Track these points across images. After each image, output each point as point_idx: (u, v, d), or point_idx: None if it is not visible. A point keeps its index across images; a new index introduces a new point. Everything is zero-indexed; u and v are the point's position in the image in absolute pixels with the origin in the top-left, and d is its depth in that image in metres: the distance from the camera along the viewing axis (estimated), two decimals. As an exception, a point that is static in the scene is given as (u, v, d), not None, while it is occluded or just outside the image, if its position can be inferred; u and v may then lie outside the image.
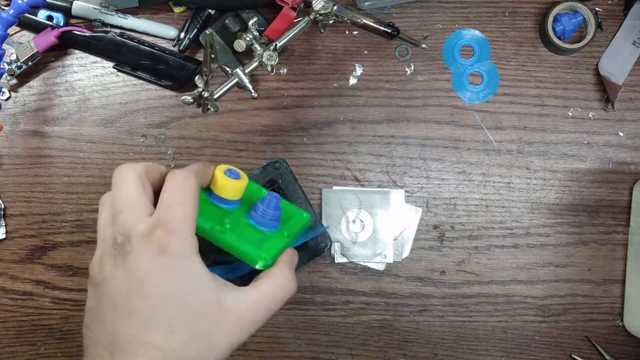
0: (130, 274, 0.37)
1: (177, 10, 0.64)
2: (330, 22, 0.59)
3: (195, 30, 0.62)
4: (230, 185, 0.45)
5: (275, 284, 0.42)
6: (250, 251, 0.44)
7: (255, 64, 0.56)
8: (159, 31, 0.63)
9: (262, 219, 0.47)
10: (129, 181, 0.39)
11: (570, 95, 0.64)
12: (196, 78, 0.52)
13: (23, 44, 0.61)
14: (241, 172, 0.46)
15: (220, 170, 0.45)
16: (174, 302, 0.37)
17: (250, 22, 0.57)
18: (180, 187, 0.39)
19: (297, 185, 0.62)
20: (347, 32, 0.65)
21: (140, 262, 0.37)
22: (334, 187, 0.64)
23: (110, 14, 0.62)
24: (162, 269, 0.37)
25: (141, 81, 0.64)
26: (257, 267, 0.44)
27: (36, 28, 0.61)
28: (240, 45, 0.57)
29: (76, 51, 0.64)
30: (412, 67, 0.64)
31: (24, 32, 0.64)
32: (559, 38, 0.63)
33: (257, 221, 0.47)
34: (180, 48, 0.62)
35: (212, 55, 0.54)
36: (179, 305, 0.37)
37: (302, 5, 0.59)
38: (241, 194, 0.47)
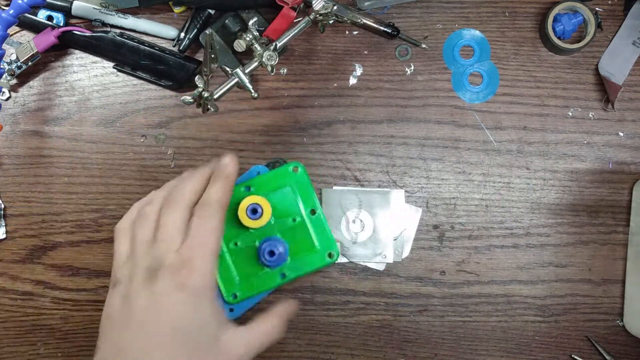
0: (153, 299, 0.41)
1: (177, 10, 0.64)
2: (330, 22, 0.59)
3: (195, 30, 0.62)
4: (247, 222, 0.46)
5: (267, 331, 0.46)
6: (224, 288, 0.48)
7: (255, 64, 0.56)
8: (159, 31, 0.63)
9: (262, 258, 0.48)
10: (178, 212, 0.43)
11: (570, 95, 0.64)
12: (196, 78, 0.52)
13: (23, 44, 0.61)
14: (267, 208, 0.46)
15: (245, 205, 0.46)
16: (181, 334, 0.41)
17: (250, 22, 0.57)
18: (207, 225, 0.42)
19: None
20: (347, 32, 0.65)
21: (162, 292, 0.41)
22: (334, 187, 0.64)
23: (110, 14, 0.62)
24: (178, 303, 0.41)
25: (141, 81, 0.64)
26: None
27: (36, 28, 0.61)
28: (240, 45, 0.57)
29: (76, 51, 0.64)
30: (412, 67, 0.64)
31: (24, 32, 0.64)
32: (559, 38, 0.63)
33: (259, 256, 0.48)
34: (180, 48, 0.62)
35: (212, 55, 0.54)
36: (184, 338, 0.41)
37: (302, 5, 0.59)
38: (262, 226, 0.47)
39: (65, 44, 0.62)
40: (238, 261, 0.48)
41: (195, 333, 0.41)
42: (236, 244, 0.48)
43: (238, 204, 0.47)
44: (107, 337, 0.43)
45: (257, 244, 0.48)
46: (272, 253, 0.47)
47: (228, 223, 0.46)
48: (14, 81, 0.63)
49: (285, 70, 0.64)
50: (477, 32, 0.64)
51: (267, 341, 0.46)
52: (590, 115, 0.64)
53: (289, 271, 0.49)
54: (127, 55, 0.62)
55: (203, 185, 0.45)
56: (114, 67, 0.64)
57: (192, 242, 0.42)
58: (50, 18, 0.62)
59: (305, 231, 0.49)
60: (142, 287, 0.42)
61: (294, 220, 0.49)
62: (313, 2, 0.57)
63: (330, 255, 0.49)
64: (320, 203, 0.64)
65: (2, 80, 0.62)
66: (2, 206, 0.64)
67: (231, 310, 0.53)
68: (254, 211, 0.46)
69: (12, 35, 0.64)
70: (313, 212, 0.49)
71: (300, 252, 0.49)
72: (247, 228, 0.48)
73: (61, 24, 0.62)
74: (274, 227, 0.49)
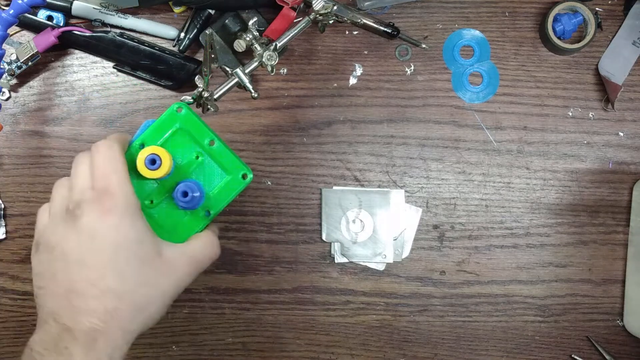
0: (82, 232, 0.42)
1: (177, 10, 0.64)
2: (330, 22, 0.59)
3: (195, 30, 0.62)
4: (149, 174, 0.46)
5: (204, 245, 0.48)
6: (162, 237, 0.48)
7: (255, 64, 0.56)
8: (159, 31, 0.63)
9: (179, 203, 0.48)
10: (82, 164, 0.45)
11: (570, 95, 0.64)
12: (196, 78, 0.52)
13: (23, 44, 0.61)
14: (165, 156, 0.46)
15: (141, 157, 0.46)
16: (124, 252, 0.42)
17: (250, 22, 0.57)
18: (107, 156, 0.44)
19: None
20: (347, 32, 0.65)
21: (90, 222, 0.42)
22: (334, 187, 0.64)
23: (110, 14, 0.62)
24: (109, 227, 0.42)
25: (141, 81, 0.64)
26: None
27: (36, 28, 0.61)
28: (240, 45, 0.57)
29: (76, 51, 0.64)
30: (412, 67, 0.64)
31: (24, 32, 0.64)
32: (559, 38, 0.63)
33: (176, 202, 0.49)
34: (180, 48, 0.62)
35: (212, 55, 0.54)
36: (127, 255, 0.42)
37: (302, 5, 0.59)
38: (166, 174, 0.47)
39: (65, 44, 0.62)
40: (160, 216, 0.49)
41: (136, 248, 0.43)
42: (152, 202, 0.48)
43: (136, 160, 0.47)
44: (47, 291, 0.43)
45: (170, 193, 0.49)
46: (185, 194, 0.48)
47: (136, 184, 0.47)
48: (14, 81, 0.63)
49: (285, 70, 0.64)
50: (477, 32, 0.64)
51: (208, 255, 0.48)
52: (590, 115, 0.64)
53: (211, 207, 0.50)
54: (127, 55, 0.62)
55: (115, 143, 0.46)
56: (114, 67, 0.64)
57: (101, 173, 0.43)
58: (50, 18, 0.62)
59: (211, 164, 0.50)
60: (68, 229, 0.43)
61: (197, 157, 0.50)
62: (313, 2, 0.57)
63: (244, 177, 0.50)
64: (321, 203, 0.64)
65: (2, 80, 0.62)
66: (2, 206, 0.64)
67: None
68: (153, 161, 0.46)
69: (12, 35, 0.64)
70: (212, 143, 0.50)
71: (215, 185, 0.50)
72: (155, 182, 0.48)
73: (61, 24, 0.62)
74: (182, 171, 0.49)
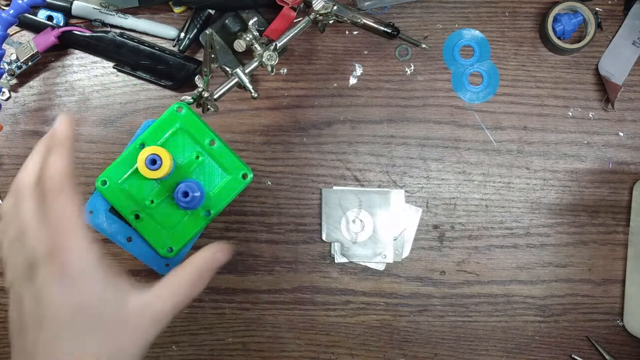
0: (38, 295, 0.39)
1: (177, 10, 0.64)
2: (330, 22, 0.59)
3: (195, 30, 0.62)
4: (150, 174, 0.46)
5: (177, 290, 0.43)
6: (157, 246, 0.48)
7: (255, 64, 0.56)
8: (159, 31, 0.63)
9: (179, 203, 0.48)
10: (27, 202, 0.41)
11: (570, 95, 0.64)
12: (196, 78, 0.52)
13: (23, 44, 0.61)
14: (165, 156, 0.46)
15: (142, 157, 0.46)
16: (82, 316, 0.39)
17: (250, 22, 0.57)
18: (60, 200, 0.40)
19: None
20: (347, 32, 0.65)
21: (46, 284, 0.39)
22: (334, 187, 0.64)
23: (110, 14, 0.62)
24: (66, 289, 0.39)
25: (141, 81, 0.64)
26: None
27: (36, 28, 0.61)
28: (240, 45, 0.57)
29: (76, 51, 0.64)
30: (412, 67, 0.64)
31: (24, 32, 0.64)
32: (559, 38, 0.63)
33: (176, 202, 0.49)
34: (180, 48, 0.62)
35: (212, 55, 0.54)
36: (87, 319, 0.39)
37: (302, 5, 0.59)
38: (167, 174, 0.47)
39: (65, 44, 0.62)
40: (160, 216, 0.49)
41: (96, 309, 0.39)
42: (152, 202, 0.48)
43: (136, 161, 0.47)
44: (14, 344, 0.41)
45: (171, 193, 0.49)
46: (186, 194, 0.48)
47: (136, 184, 0.47)
48: (14, 81, 0.63)
49: (285, 70, 0.64)
50: (477, 32, 0.64)
51: (181, 301, 0.43)
52: (590, 115, 0.64)
53: (211, 207, 0.50)
54: (127, 55, 0.62)
55: (42, 163, 0.42)
56: (114, 67, 0.64)
57: (53, 224, 0.40)
58: (50, 18, 0.62)
59: (211, 163, 0.50)
60: (26, 287, 0.40)
61: (197, 157, 0.50)
62: (313, 2, 0.57)
63: (244, 177, 0.50)
64: (321, 203, 0.64)
65: (2, 80, 0.62)
66: (2, 206, 0.64)
67: (167, 265, 0.53)
68: (153, 162, 0.46)
69: (12, 35, 0.64)
70: (212, 143, 0.50)
71: (215, 185, 0.50)
72: (156, 182, 0.48)
73: (61, 24, 0.62)
74: (182, 171, 0.49)
